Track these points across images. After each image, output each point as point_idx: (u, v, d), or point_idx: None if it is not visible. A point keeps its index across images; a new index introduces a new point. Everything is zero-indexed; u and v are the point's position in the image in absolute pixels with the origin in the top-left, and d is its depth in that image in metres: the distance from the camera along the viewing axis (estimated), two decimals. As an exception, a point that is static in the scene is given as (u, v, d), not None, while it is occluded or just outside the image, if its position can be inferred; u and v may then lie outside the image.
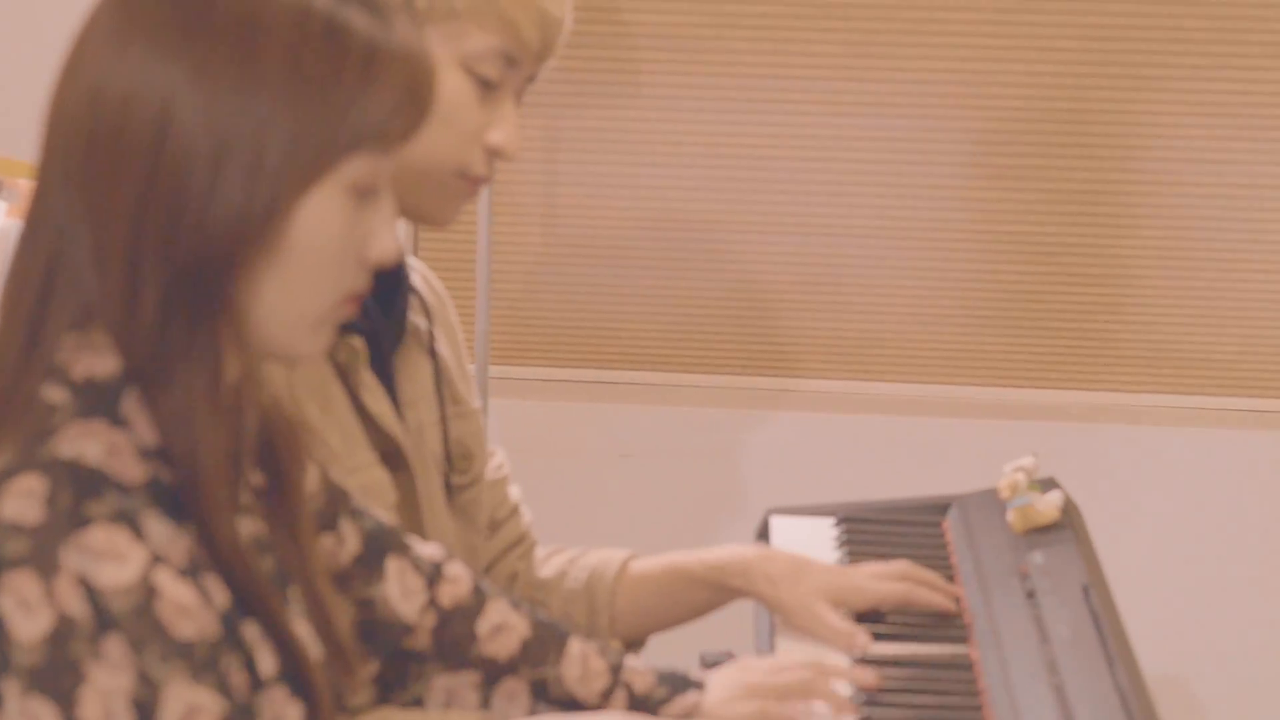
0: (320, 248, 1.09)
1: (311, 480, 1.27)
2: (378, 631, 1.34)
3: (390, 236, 1.13)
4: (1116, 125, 2.93)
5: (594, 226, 3.03)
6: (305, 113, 1.06)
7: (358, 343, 1.51)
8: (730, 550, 1.69)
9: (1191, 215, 2.96)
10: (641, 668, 1.43)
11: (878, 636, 1.60)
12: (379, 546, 1.34)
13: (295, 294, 1.09)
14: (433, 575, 1.38)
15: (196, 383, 1.07)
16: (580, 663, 1.41)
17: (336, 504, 1.32)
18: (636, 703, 1.41)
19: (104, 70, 1.07)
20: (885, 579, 1.65)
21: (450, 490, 1.63)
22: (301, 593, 1.18)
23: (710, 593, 1.69)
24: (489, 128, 1.50)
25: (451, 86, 1.48)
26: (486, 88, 1.49)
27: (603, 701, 1.41)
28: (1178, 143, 2.93)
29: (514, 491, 1.76)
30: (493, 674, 1.39)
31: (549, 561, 1.76)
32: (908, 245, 3.00)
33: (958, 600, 1.66)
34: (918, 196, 2.98)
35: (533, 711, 1.40)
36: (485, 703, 1.39)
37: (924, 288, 3.02)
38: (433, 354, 1.62)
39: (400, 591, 1.35)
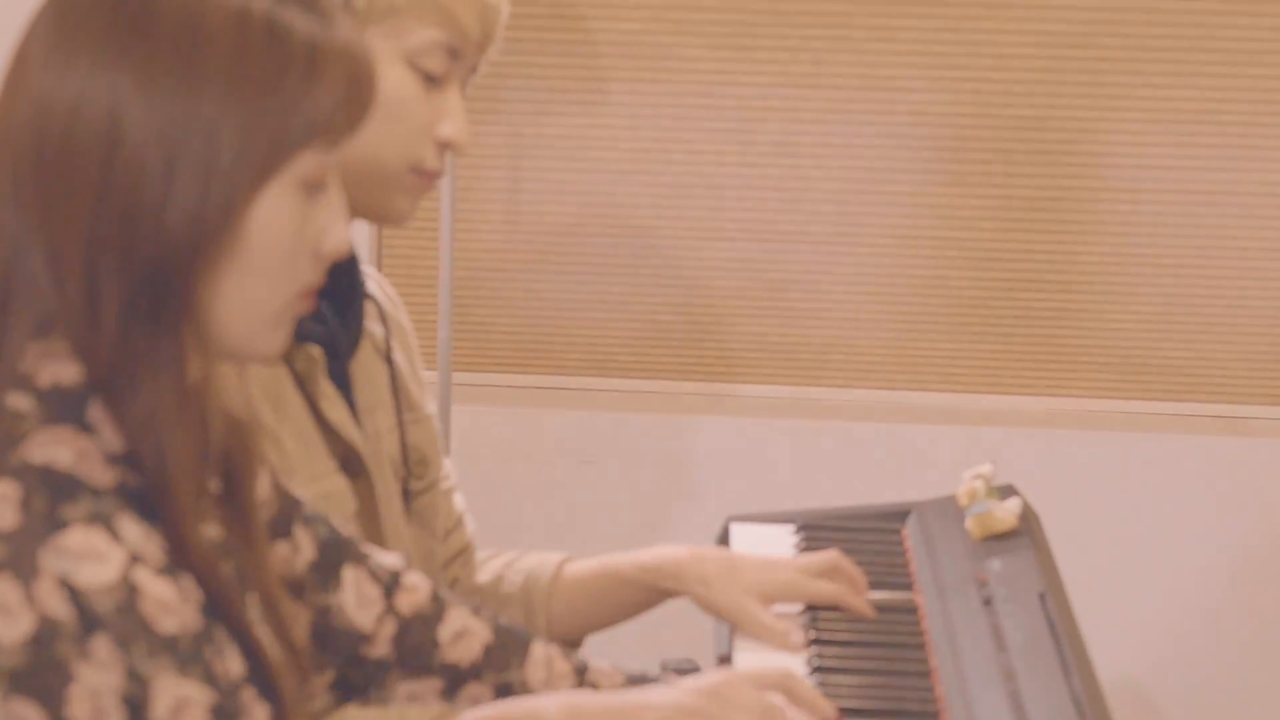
0: (275, 244, 1.10)
1: (263, 487, 1.28)
2: (333, 639, 1.34)
3: (341, 228, 1.14)
4: (1072, 131, 2.95)
5: (556, 233, 3.04)
6: (253, 113, 1.07)
7: (315, 351, 1.51)
8: (663, 551, 1.69)
9: (1148, 221, 2.98)
10: (608, 669, 1.44)
11: (832, 642, 1.61)
12: (335, 555, 1.35)
13: (253, 292, 1.10)
14: (390, 584, 1.38)
15: (162, 388, 1.08)
16: (544, 666, 1.42)
17: (290, 511, 1.32)
18: None
19: (49, 84, 1.08)
20: (816, 571, 1.66)
21: (407, 496, 1.64)
22: (258, 598, 1.19)
23: (644, 594, 1.70)
24: (438, 121, 1.52)
25: (397, 83, 1.49)
26: (431, 82, 1.51)
27: None
28: (1134, 149, 2.95)
29: (459, 500, 1.77)
30: (456, 680, 1.39)
31: (485, 566, 1.76)
32: (870, 252, 3.01)
33: (917, 608, 1.67)
34: (881, 203, 2.99)
35: None
36: (449, 706, 1.39)
37: (885, 294, 3.03)
38: (389, 361, 1.62)
39: (356, 600, 1.35)
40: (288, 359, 1.49)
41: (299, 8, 1.10)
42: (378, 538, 1.56)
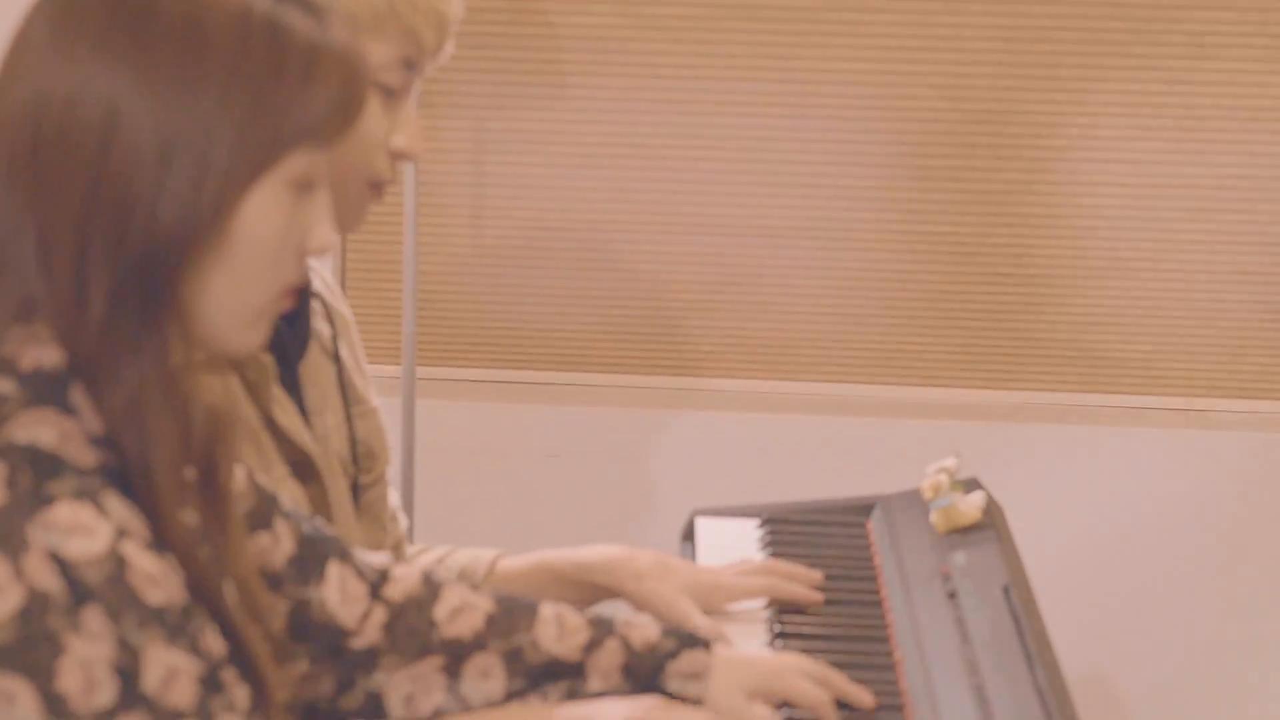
0: (263, 241, 1.12)
1: (239, 480, 1.28)
2: (311, 632, 1.34)
3: (326, 228, 1.16)
4: (1034, 125, 2.95)
5: (520, 227, 3.03)
6: (249, 112, 1.09)
7: (267, 359, 1.52)
8: (597, 549, 1.71)
9: (1110, 215, 2.99)
10: (640, 621, 1.44)
11: (796, 636, 1.61)
12: (319, 550, 1.35)
13: (239, 287, 1.12)
14: (378, 581, 1.38)
15: (144, 376, 1.09)
16: (555, 623, 1.41)
17: (268, 504, 1.33)
18: (636, 657, 1.41)
19: (48, 74, 1.09)
20: (748, 575, 1.68)
21: (357, 491, 1.64)
22: (233, 586, 1.19)
23: (578, 590, 1.70)
24: (393, 133, 1.52)
25: None
26: (388, 95, 1.51)
27: (585, 655, 1.40)
28: (1096, 143, 2.96)
29: (394, 496, 1.77)
30: (458, 654, 1.38)
31: (416, 561, 1.76)
32: (832, 245, 3.01)
33: (880, 598, 1.67)
34: (845, 198, 2.99)
35: (510, 683, 1.39)
36: (455, 684, 1.38)
37: (849, 287, 3.03)
38: (336, 358, 1.63)
39: (340, 597, 1.35)
40: (239, 368, 1.50)
41: (299, 9, 1.12)
42: None
